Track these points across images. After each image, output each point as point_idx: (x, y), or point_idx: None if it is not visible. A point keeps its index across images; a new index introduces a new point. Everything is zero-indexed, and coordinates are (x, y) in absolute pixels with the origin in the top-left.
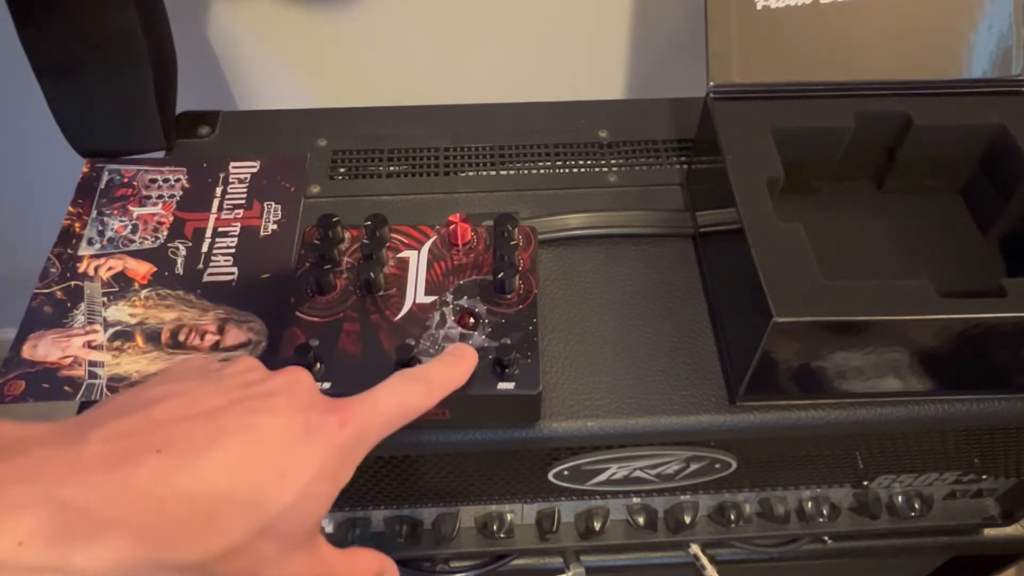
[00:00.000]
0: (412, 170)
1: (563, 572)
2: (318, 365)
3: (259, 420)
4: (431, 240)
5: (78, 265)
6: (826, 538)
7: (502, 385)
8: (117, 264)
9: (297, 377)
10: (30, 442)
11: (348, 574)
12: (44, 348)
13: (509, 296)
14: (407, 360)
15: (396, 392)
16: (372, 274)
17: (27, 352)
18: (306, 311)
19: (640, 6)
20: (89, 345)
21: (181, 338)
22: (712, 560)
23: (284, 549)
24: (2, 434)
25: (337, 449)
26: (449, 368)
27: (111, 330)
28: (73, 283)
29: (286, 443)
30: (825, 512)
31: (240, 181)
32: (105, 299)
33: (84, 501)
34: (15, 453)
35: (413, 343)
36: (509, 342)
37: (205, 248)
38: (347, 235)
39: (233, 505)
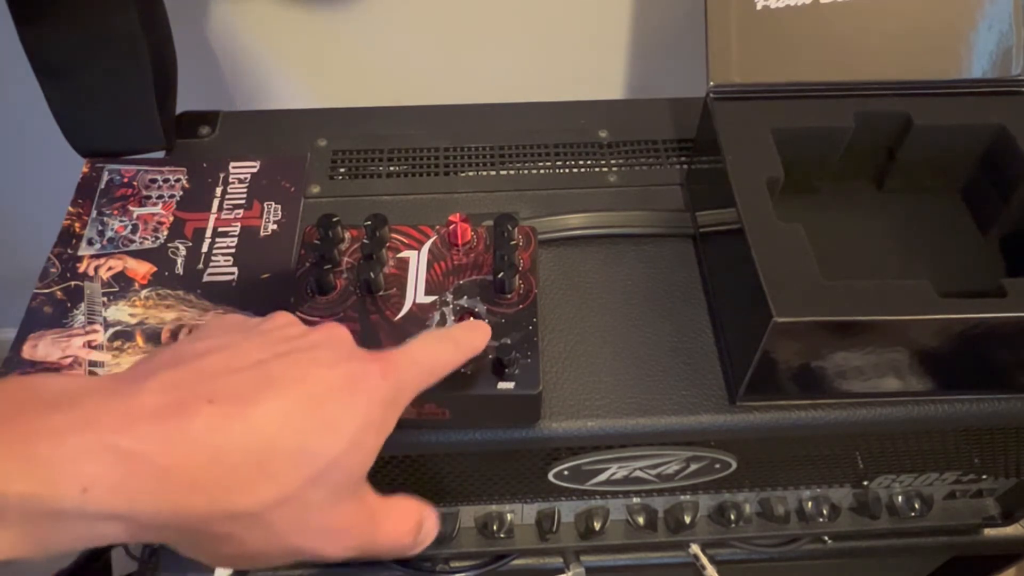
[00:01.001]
0: (412, 170)
1: (563, 572)
2: None
3: (306, 372)
4: (431, 240)
5: (78, 265)
6: (826, 538)
7: (502, 385)
8: (117, 264)
9: (335, 330)
10: (83, 394)
11: (391, 522)
12: (44, 348)
13: (509, 296)
14: None
15: (429, 346)
16: (372, 274)
17: (27, 352)
18: (306, 311)
19: (640, 6)
20: (89, 345)
21: (181, 338)
22: (712, 560)
23: (332, 498)
24: (55, 387)
25: (381, 399)
26: (468, 332)
27: (111, 330)
28: (73, 283)
29: (332, 394)
30: (825, 512)
31: (240, 181)
32: (105, 299)
33: (142, 449)
34: (70, 405)
35: None
36: (509, 342)
37: (205, 248)
38: (347, 235)
39: (285, 455)
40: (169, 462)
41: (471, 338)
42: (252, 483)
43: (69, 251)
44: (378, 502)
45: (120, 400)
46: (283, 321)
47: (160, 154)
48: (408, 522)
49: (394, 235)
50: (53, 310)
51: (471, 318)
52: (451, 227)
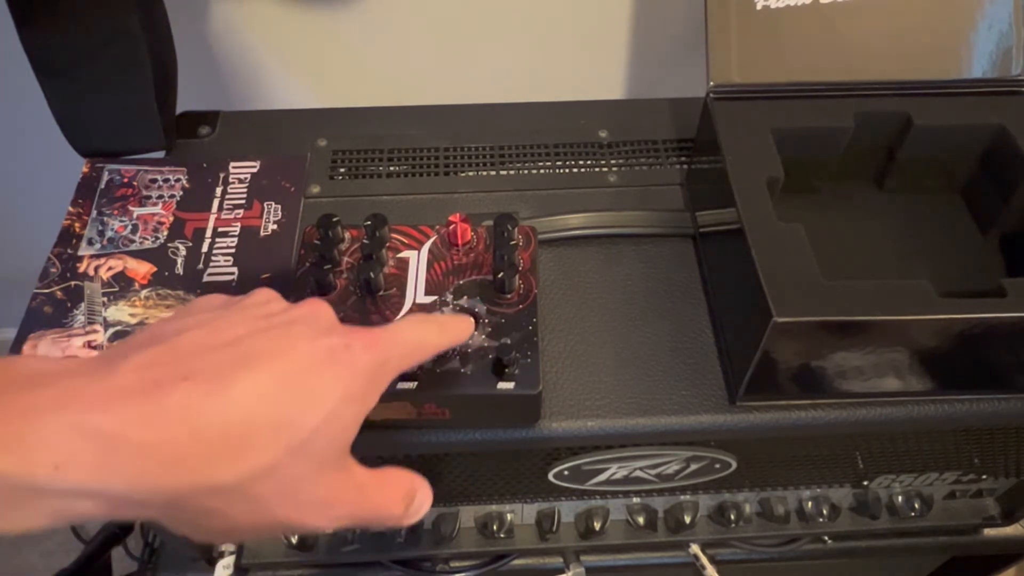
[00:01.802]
0: (412, 170)
1: (563, 572)
2: None
3: (283, 346)
4: (431, 240)
5: (78, 265)
6: (826, 538)
7: (502, 385)
8: (117, 264)
9: (316, 306)
10: (59, 375)
11: (380, 493)
12: (44, 348)
13: (509, 296)
14: None
15: (414, 326)
16: (372, 274)
17: (27, 352)
18: None
19: (640, 6)
20: (89, 345)
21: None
22: (712, 560)
23: (316, 469)
24: (31, 368)
25: (362, 372)
26: (454, 318)
27: (111, 330)
28: (73, 283)
29: (311, 367)
30: (825, 512)
31: (240, 181)
32: (105, 299)
33: (118, 428)
34: (46, 385)
35: None
36: (509, 342)
37: (205, 248)
38: (347, 235)
39: (263, 427)
40: (145, 439)
41: (456, 324)
42: (232, 456)
43: (69, 251)
44: (366, 474)
45: (95, 380)
46: (264, 297)
47: (160, 154)
48: (397, 492)
49: (394, 235)
50: (53, 310)
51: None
52: (451, 227)
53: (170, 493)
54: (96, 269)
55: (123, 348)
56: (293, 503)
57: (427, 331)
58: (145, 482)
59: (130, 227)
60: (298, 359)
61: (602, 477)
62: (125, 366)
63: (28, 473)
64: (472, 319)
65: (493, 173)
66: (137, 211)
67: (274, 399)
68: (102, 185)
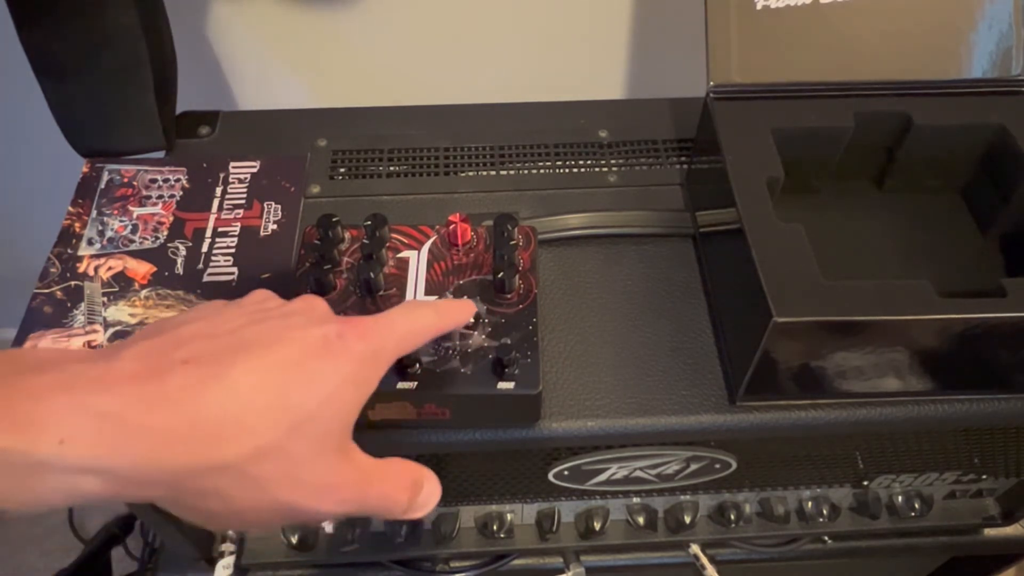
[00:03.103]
0: (412, 170)
1: (563, 572)
2: None
3: (281, 335)
4: (431, 240)
5: (78, 265)
6: (826, 538)
7: (502, 385)
8: (117, 264)
9: (313, 302)
10: (63, 361)
11: (384, 481)
12: (44, 348)
13: (509, 296)
14: (407, 360)
15: (409, 311)
16: (372, 274)
17: None
18: None
19: (640, 6)
20: (89, 345)
21: None
22: (712, 560)
23: (316, 450)
24: (37, 356)
25: (359, 357)
26: (452, 303)
27: (111, 330)
28: (73, 283)
29: (307, 353)
30: (825, 512)
31: (240, 181)
32: (105, 299)
33: (119, 409)
34: (49, 371)
35: None
36: (509, 342)
37: (205, 248)
38: (347, 235)
39: (262, 409)
40: (147, 421)
41: (454, 308)
42: (232, 436)
43: (69, 251)
44: (370, 462)
45: (98, 366)
46: (261, 296)
47: (160, 154)
48: (403, 480)
49: (394, 235)
50: (53, 310)
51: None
52: (451, 227)
53: (172, 472)
54: (96, 269)
55: (126, 341)
56: (295, 484)
57: (422, 315)
58: (148, 461)
59: (130, 227)
60: (295, 346)
61: (602, 477)
62: (127, 353)
63: (34, 448)
64: (472, 303)
65: (493, 173)
66: (137, 211)
67: (273, 382)
68: (102, 185)
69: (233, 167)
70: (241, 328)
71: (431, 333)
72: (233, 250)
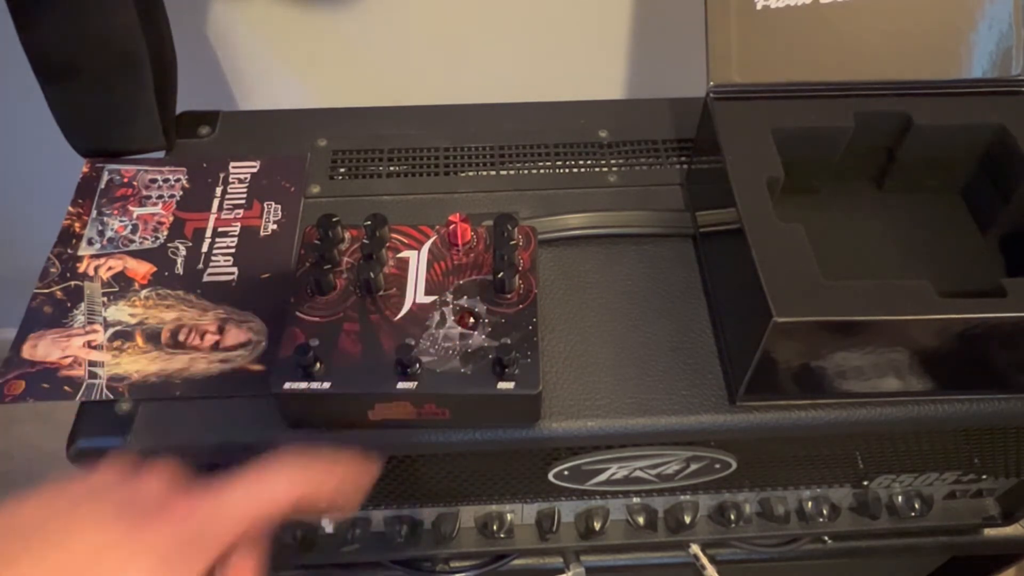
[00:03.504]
0: (412, 170)
1: (563, 572)
2: (318, 365)
3: (64, 535)
4: (431, 240)
5: (78, 265)
6: (826, 538)
7: (502, 385)
8: (117, 264)
9: (149, 482)
10: None
11: None
12: (44, 348)
13: (509, 296)
14: (407, 360)
15: (247, 487)
16: (372, 274)
17: (27, 352)
18: (306, 311)
19: (640, 6)
20: (89, 345)
21: (181, 338)
22: (712, 560)
23: None
24: None
25: (173, 538)
26: (318, 466)
27: (111, 330)
28: (73, 283)
29: (93, 554)
30: (825, 512)
31: (240, 181)
32: (105, 299)
33: None
34: None
35: (413, 343)
36: (509, 342)
37: (205, 248)
38: (347, 235)
39: None
40: None
41: (315, 473)
42: None
43: (69, 251)
44: None
45: None
46: (101, 476)
47: (160, 154)
48: None
49: (394, 235)
50: (53, 310)
51: (470, 318)
52: (451, 227)
53: None
54: (96, 269)
55: None
56: None
57: (266, 490)
58: None
59: (130, 227)
60: (77, 548)
61: (602, 477)
62: None
63: None
64: (342, 467)
65: (493, 173)
66: (137, 211)
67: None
68: (102, 185)
69: (233, 167)
70: (40, 522)
71: (283, 503)
72: (233, 250)
